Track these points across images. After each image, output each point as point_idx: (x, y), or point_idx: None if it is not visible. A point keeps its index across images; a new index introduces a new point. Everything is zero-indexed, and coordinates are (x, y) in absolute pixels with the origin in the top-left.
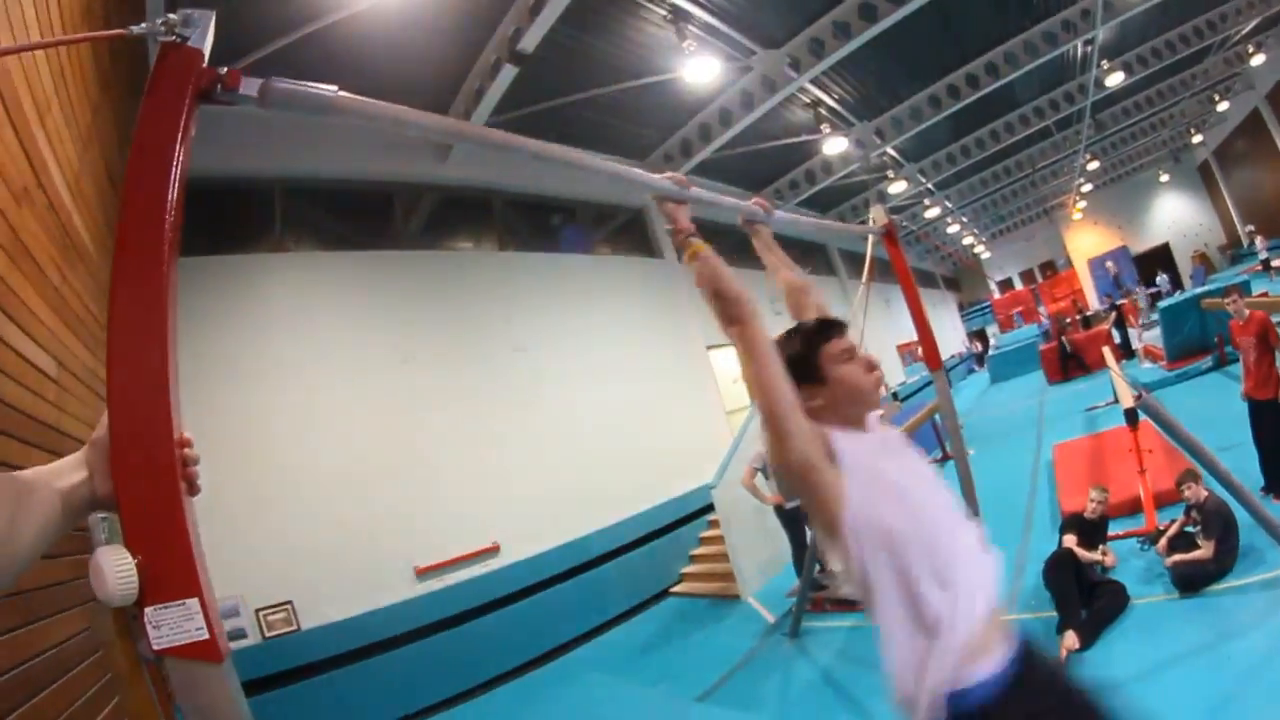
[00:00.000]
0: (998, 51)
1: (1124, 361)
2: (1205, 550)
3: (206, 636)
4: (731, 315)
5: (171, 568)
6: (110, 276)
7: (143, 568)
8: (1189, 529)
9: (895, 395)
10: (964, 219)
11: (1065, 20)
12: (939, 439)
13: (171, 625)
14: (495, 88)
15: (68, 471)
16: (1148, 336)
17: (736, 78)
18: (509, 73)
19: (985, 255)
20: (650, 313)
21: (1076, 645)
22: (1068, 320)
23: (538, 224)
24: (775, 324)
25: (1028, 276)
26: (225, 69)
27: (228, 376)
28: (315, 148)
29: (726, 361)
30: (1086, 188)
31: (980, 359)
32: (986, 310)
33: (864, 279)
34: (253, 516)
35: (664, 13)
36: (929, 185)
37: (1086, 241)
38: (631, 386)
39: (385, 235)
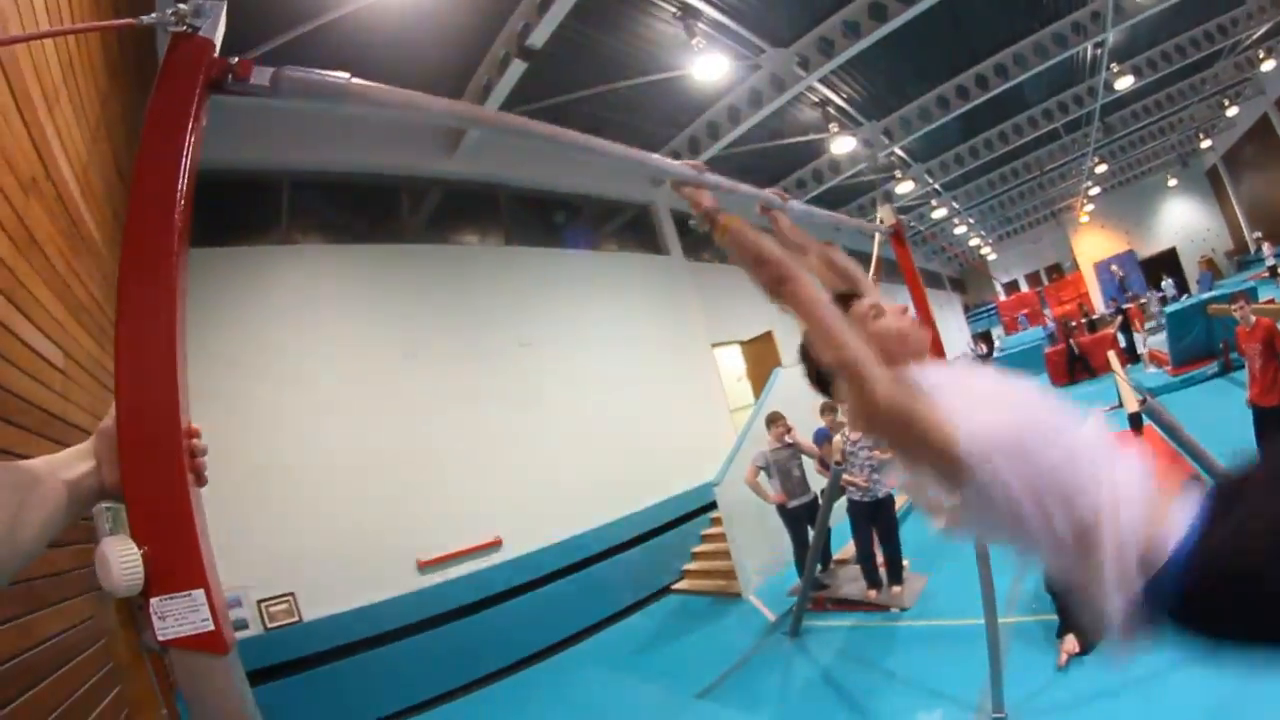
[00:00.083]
0: (1007, 53)
1: (1129, 366)
2: None
3: (212, 628)
4: (776, 276)
5: (178, 558)
6: (118, 266)
7: (149, 558)
8: None
9: None
10: (971, 220)
11: (1075, 22)
12: None
13: (177, 616)
14: (504, 83)
15: (74, 461)
16: (1153, 341)
17: (745, 76)
18: (518, 68)
19: (991, 257)
20: (655, 309)
21: (1077, 649)
22: (1073, 324)
23: (543, 219)
24: (777, 324)
25: (1033, 279)
26: (236, 59)
27: (231, 368)
28: (322, 141)
29: (730, 359)
30: (1094, 191)
31: (985, 361)
32: (992, 312)
33: (870, 278)
34: (256, 508)
35: (673, 9)
36: (936, 186)
37: (1093, 245)
38: (635, 383)
39: (391, 229)
